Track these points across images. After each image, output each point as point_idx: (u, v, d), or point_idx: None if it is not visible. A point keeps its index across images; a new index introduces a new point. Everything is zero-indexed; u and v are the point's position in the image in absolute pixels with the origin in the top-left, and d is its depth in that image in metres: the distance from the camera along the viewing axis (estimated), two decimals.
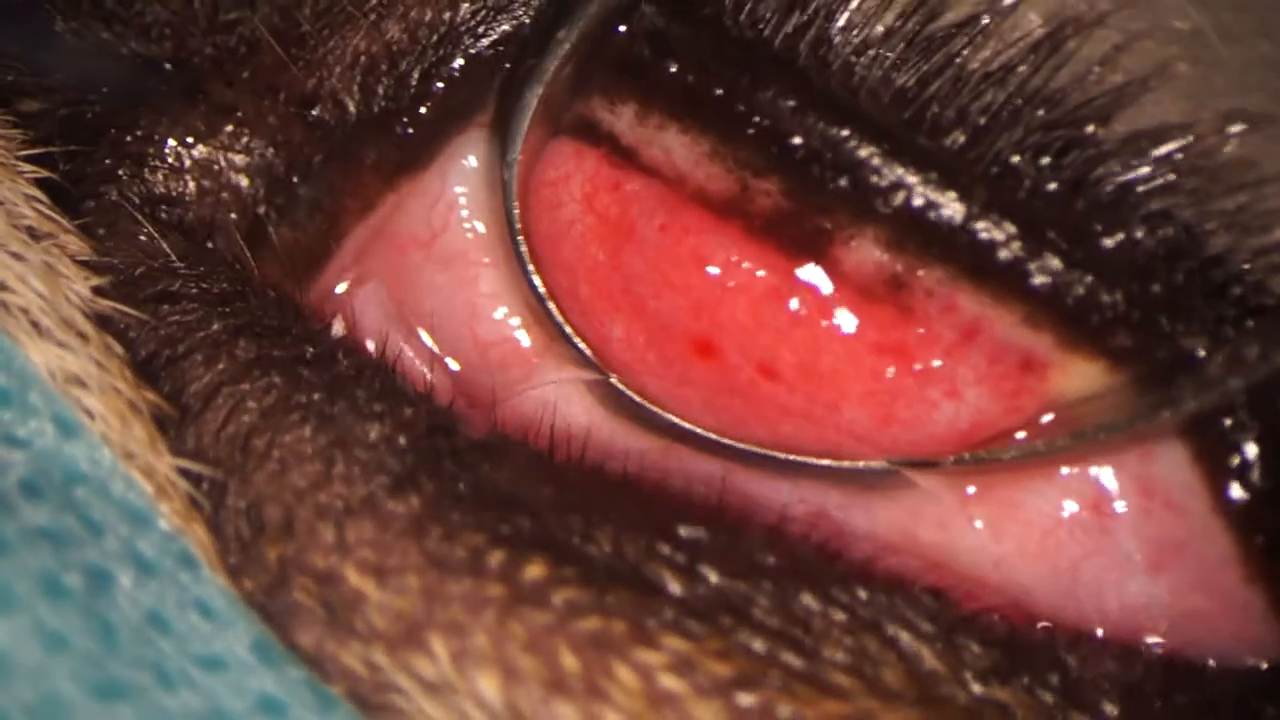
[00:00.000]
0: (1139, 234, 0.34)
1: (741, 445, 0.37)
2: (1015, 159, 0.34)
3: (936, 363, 0.35)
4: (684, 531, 0.32)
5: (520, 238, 0.39)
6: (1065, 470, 0.35)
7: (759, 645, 0.31)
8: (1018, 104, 0.34)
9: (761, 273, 0.36)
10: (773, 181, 0.35)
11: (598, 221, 0.38)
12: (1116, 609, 0.35)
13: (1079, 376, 0.34)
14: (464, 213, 0.40)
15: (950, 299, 0.34)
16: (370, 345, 0.38)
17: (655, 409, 0.38)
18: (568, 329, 0.39)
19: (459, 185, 0.40)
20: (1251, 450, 0.34)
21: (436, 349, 0.40)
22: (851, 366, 0.35)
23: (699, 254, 0.36)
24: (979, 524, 0.36)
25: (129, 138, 0.38)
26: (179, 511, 0.32)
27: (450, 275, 0.40)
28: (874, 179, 0.34)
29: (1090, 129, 0.34)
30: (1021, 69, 0.34)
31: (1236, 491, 0.34)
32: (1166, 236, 0.34)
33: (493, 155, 0.39)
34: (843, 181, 0.34)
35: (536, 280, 0.39)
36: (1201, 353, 0.33)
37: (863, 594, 0.32)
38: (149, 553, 0.31)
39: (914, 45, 0.34)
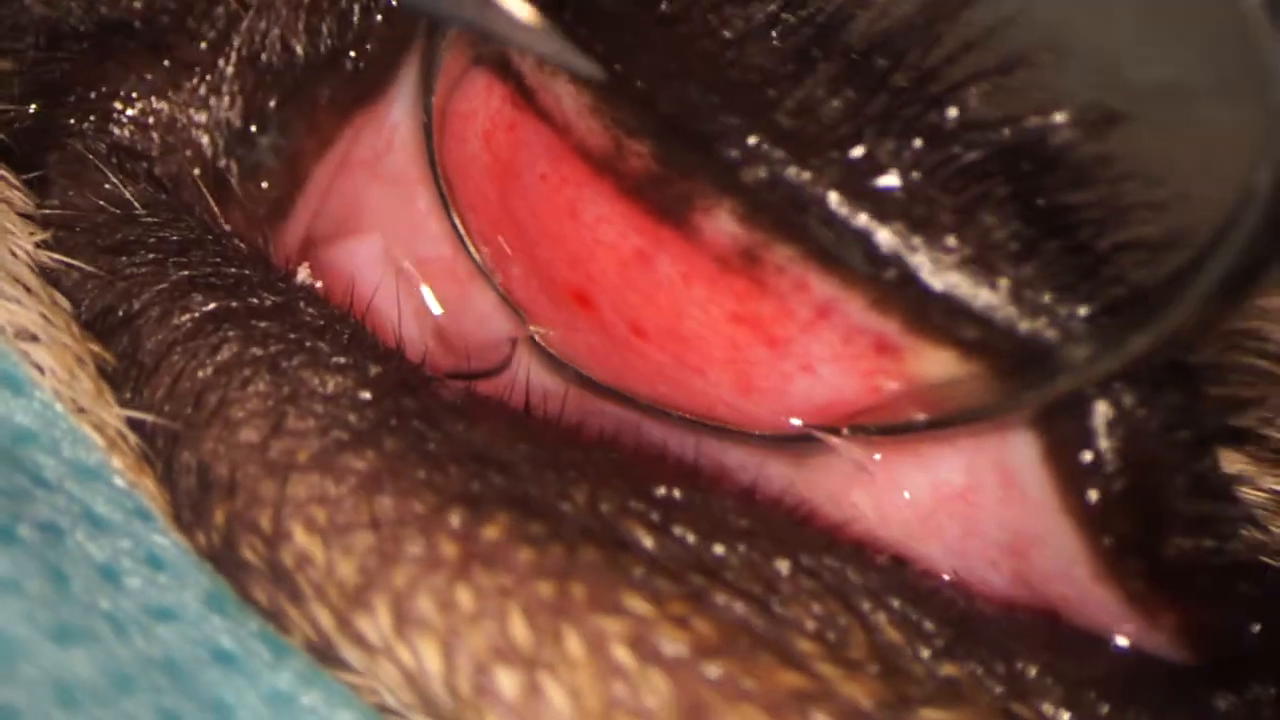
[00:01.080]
0: (989, 225, 0.33)
1: (631, 397, 0.38)
2: (869, 143, 0.33)
3: (791, 338, 0.35)
4: (660, 491, 0.32)
5: (440, 179, 0.39)
6: (934, 452, 0.35)
7: (726, 609, 0.31)
8: (878, 87, 0.33)
9: (629, 233, 0.36)
10: (644, 144, 0.35)
11: (492, 160, 0.38)
12: (1003, 589, 0.35)
13: (933, 362, 0.34)
14: (403, 133, 0.41)
15: (802, 278, 0.34)
16: (337, 296, 0.38)
17: (554, 353, 0.39)
18: (478, 260, 0.40)
19: (401, 108, 0.41)
20: (1098, 452, 0.33)
21: (401, 299, 0.41)
22: (711, 333, 0.35)
23: (574, 207, 0.37)
24: (870, 499, 0.36)
25: (94, 93, 0.38)
26: (131, 466, 0.32)
27: (394, 192, 0.41)
28: (732, 151, 0.34)
29: (948, 116, 0.33)
30: (887, 52, 0.33)
31: (1083, 492, 0.33)
32: (1018, 230, 0.33)
33: (419, 85, 0.40)
34: (704, 151, 0.34)
35: (456, 221, 0.40)
36: (1049, 349, 0.33)
37: (831, 562, 0.32)
38: (102, 506, 0.31)
39: (788, 22, 0.34)
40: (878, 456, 0.35)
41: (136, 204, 0.36)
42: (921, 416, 0.34)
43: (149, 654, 0.29)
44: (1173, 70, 0.32)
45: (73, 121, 0.38)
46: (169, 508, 0.32)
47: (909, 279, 0.33)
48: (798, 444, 0.36)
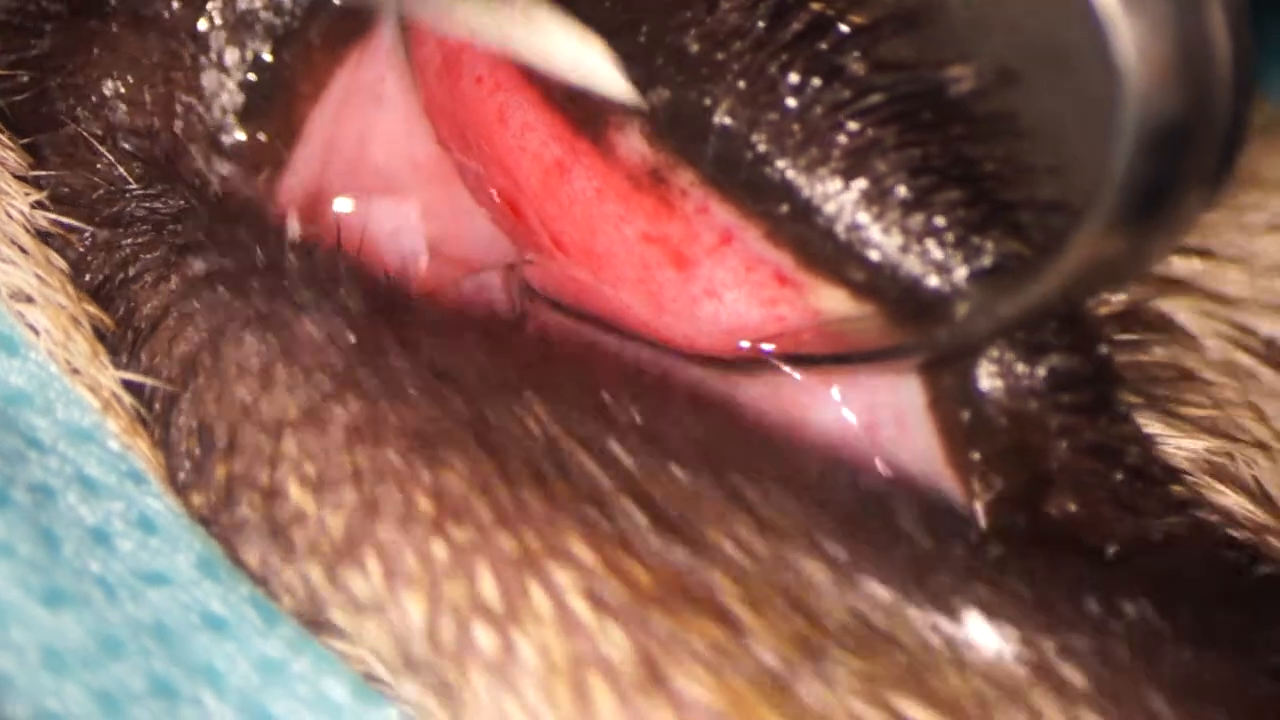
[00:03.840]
0: (881, 171, 0.32)
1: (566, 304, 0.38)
2: (769, 76, 0.32)
3: (697, 261, 0.34)
4: (617, 412, 0.31)
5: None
6: (839, 386, 0.34)
7: (662, 553, 0.29)
8: (786, 19, 0.32)
9: (550, 142, 0.36)
10: None
11: (442, 62, 0.38)
12: None
13: (831, 298, 0.33)
14: (393, 54, 0.40)
15: (704, 203, 0.34)
16: (325, 238, 0.36)
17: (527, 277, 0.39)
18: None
19: (389, 31, 0.40)
20: (977, 409, 0.32)
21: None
22: (624, 251, 0.35)
23: (503, 113, 0.36)
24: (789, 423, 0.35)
25: (82, 77, 0.38)
26: (125, 428, 0.32)
27: (393, 107, 0.40)
28: (638, 70, 0.33)
29: (853, 56, 0.32)
30: None
31: (963, 447, 0.32)
32: (910, 178, 0.31)
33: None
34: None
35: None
36: (932, 299, 0.32)
37: (778, 495, 0.30)
38: (94, 468, 0.30)
39: None
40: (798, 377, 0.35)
41: (131, 179, 0.36)
42: (822, 351, 0.34)
43: (139, 618, 0.29)
44: (1058, 33, 0.29)
45: (64, 105, 0.37)
46: (163, 470, 0.32)
47: (799, 215, 0.32)
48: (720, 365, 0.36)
